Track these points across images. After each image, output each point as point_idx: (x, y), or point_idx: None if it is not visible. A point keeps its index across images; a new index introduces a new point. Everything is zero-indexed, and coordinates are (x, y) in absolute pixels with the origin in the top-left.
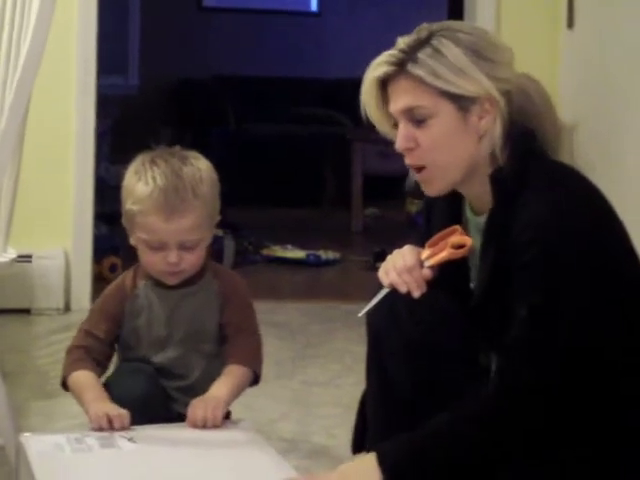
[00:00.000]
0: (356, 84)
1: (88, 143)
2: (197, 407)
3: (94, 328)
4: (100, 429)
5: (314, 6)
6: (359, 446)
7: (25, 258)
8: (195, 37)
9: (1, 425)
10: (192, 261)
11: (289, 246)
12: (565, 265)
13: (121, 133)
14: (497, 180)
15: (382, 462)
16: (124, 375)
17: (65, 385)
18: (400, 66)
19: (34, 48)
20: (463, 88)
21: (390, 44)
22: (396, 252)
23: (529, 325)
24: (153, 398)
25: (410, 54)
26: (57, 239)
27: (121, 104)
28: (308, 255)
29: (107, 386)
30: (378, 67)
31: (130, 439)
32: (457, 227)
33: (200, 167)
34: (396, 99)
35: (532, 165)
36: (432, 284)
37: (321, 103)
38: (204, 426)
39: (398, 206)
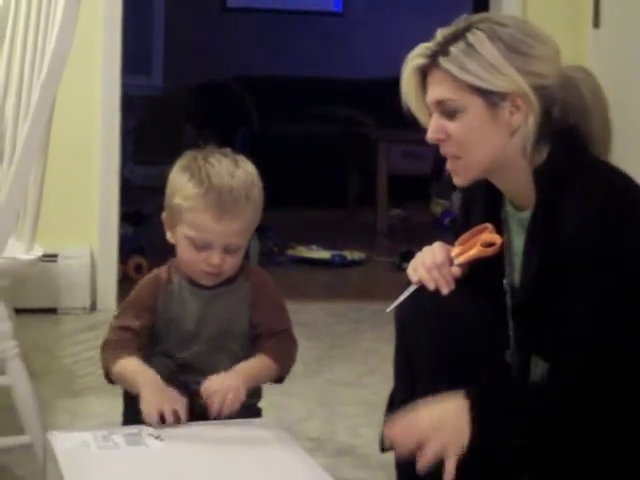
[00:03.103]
0: (380, 84)
1: (113, 143)
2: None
3: (129, 321)
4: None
5: (337, 5)
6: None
7: (51, 258)
8: (219, 37)
9: (29, 423)
10: (232, 264)
11: (314, 247)
12: (620, 261)
13: (145, 134)
14: (540, 176)
15: (474, 412)
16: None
17: (109, 378)
18: (433, 58)
19: (59, 48)
20: (492, 84)
21: (413, 43)
22: (425, 249)
23: (590, 324)
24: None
25: (444, 47)
26: (83, 239)
27: (145, 104)
28: (333, 256)
29: None
30: (414, 59)
31: (157, 437)
32: (488, 225)
33: (250, 170)
34: (430, 90)
35: (573, 162)
36: (461, 282)
37: (345, 103)
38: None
39: (423, 207)
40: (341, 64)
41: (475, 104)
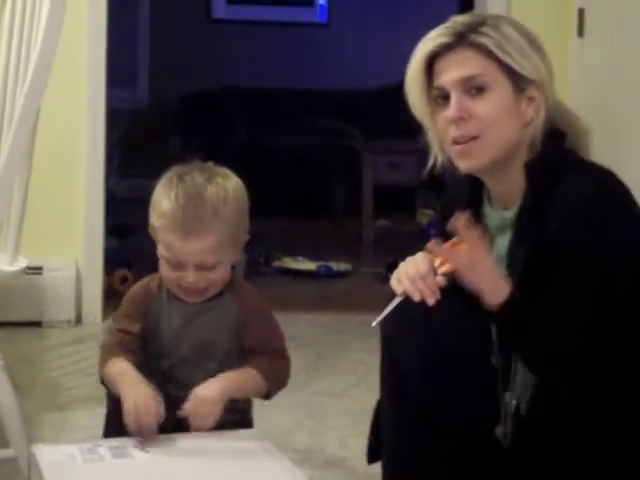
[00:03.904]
0: (365, 95)
1: (99, 155)
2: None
3: (126, 325)
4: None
5: (323, 17)
6: (374, 455)
7: (36, 270)
8: (205, 49)
9: (13, 436)
10: (215, 280)
11: (300, 257)
12: (608, 258)
13: (130, 146)
14: (532, 169)
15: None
16: None
17: (102, 380)
18: (460, 37)
19: (43, 57)
20: (524, 67)
21: (399, 54)
22: (408, 259)
23: (578, 322)
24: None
25: (472, 28)
26: (68, 251)
27: (130, 117)
28: (319, 267)
29: None
30: (435, 39)
31: (143, 449)
32: None
33: (227, 187)
34: (453, 69)
35: (563, 160)
36: (445, 291)
37: (331, 114)
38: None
39: (409, 217)
40: (326, 75)
41: (504, 85)
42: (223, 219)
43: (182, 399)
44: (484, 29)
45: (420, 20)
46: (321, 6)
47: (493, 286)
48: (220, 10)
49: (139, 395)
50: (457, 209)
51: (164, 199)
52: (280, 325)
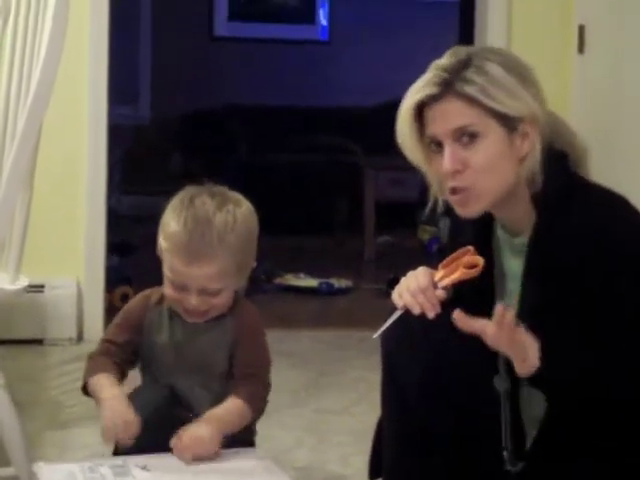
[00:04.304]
0: (367, 111)
1: (100, 173)
2: (179, 441)
3: (113, 336)
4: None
5: (324, 34)
6: (376, 472)
7: (37, 288)
8: (206, 67)
9: (14, 455)
10: (215, 305)
11: (302, 274)
12: (622, 290)
13: (132, 164)
14: (540, 202)
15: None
16: (141, 393)
17: (86, 391)
18: (446, 86)
19: (45, 75)
20: (512, 108)
21: (399, 72)
22: (410, 274)
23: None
24: (162, 420)
25: (456, 74)
26: (69, 269)
27: (132, 135)
28: (321, 283)
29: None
30: (421, 90)
31: (144, 467)
32: (469, 248)
33: (236, 214)
34: (443, 120)
35: (571, 185)
36: (446, 305)
37: (332, 131)
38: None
39: (411, 233)
40: (328, 92)
41: (494, 130)
42: (228, 247)
43: (187, 420)
44: (469, 74)
45: (420, 39)
46: (322, 25)
47: (522, 362)
48: (222, 28)
49: (117, 413)
50: (467, 233)
51: (172, 221)
52: (281, 342)
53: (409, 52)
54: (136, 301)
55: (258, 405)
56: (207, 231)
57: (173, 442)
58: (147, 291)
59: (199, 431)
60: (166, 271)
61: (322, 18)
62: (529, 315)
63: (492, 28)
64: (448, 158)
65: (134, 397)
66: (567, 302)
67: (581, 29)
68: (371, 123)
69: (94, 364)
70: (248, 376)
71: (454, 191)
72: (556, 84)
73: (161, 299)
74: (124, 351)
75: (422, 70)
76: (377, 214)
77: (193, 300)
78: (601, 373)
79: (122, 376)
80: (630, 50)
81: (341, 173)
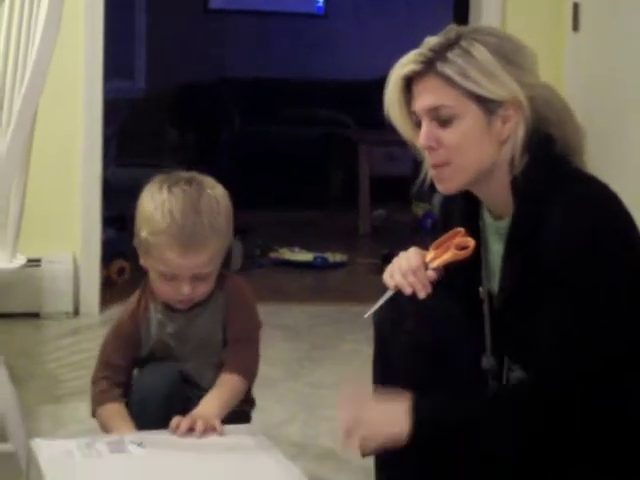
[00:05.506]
0: (361, 85)
1: (96, 147)
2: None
3: (113, 357)
4: None
5: (320, 8)
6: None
7: (34, 262)
8: (201, 39)
9: (12, 430)
10: (204, 289)
11: (296, 249)
12: (598, 278)
13: (128, 136)
14: (518, 187)
15: (414, 412)
16: (151, 373)
17: (95, 415)
18: (429, 65)
19: (42, 53)
20: (491, 91)
21: (395, 46)
22: (401, 254)
23: (564, 339)
24: (173, 399)
25: (440, 53)
26: (65, 243)
27: (127, 108)
28: (315, 258)
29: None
30: (406, 65)
31: (139, 444)
32: (460, 229)
33: (217, 196)
34: (422, 97)
35: (553, 171)
36: (437, 286)
37: (327, 105)
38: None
39: (405, 208)
40: (323, 66)
41: (472, 111)
42: (218, 230)
43: (195, 397)
44: (451, 55)
45: (416, 12)
46: None
47: (392, 428)
48: (217, 0)
49: None
50: (457, 215)
51: (157, 214)
52: (275, 315)
53: (405, 26)
54: (124, 319)
55: (251, 371)
56: (197, 220)
57: (173, 426)
58: (128, 304)
59: (201, 411)
60: (155, 265)
61: None
62: (504, 299)
63: (487, 6)
64: (423, 134)
65: (139, 381)
66: (541, 290)
67: (575, 7)
68: (366, 97)
69: (99, 392)
70: (239, 341)
71: (433, 166)
72: (550, 62)
73: (145, 305)
74: (125, 369)
75: (417, 45)
76: (371, 188)
77: (186, 288)
78: (569, 356)
79: (126, 389)
80: (624, 28)
81: (336, 147)
